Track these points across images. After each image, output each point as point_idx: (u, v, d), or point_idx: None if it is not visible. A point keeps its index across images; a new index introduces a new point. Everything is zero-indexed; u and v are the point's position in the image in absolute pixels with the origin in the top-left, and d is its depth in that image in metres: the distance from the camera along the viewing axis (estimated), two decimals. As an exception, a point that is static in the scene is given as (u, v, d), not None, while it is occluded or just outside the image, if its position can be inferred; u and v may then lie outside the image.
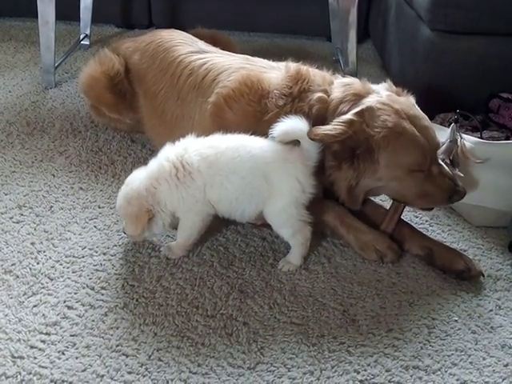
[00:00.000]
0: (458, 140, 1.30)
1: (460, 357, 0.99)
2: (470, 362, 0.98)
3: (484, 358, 0.99)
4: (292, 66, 1.24)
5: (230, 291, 1.10)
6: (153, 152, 1.55)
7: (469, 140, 1.33)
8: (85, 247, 1.19)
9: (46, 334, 0.98)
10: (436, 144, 1.15)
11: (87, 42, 2.21)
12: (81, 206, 1.32)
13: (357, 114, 1.10)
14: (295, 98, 1.17)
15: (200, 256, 1.19)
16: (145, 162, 1.49)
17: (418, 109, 1.16)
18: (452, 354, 0.99)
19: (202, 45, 1.43)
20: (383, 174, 1.12)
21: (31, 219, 1.27)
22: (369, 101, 1.12)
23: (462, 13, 1.52)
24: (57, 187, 1.38)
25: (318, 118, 1.15)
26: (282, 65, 1.27)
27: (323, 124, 1.13)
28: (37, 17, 1.77)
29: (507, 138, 1.39)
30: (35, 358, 0.94)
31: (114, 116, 1.53)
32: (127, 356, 0.95)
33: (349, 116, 1.10)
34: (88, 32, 2.21)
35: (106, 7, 2.31)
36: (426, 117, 1.16)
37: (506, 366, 0.98)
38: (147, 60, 1.44)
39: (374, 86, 1.18)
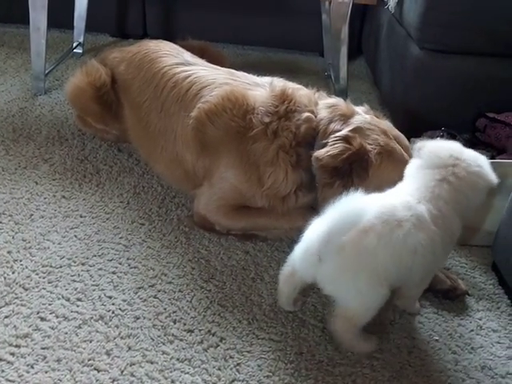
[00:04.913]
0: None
1: (439, 378, 0.97)
2: (450, 384, 0.96)
3: (463, 380, 0.97)
4: (277, 85, 1.25)
5: (209, 305, 1.08)
6: (139, 162, 1.54)
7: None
8: (63, 257, 1.17)
9: (16, 346, 0.95)
10: None
11: (80, 51, 2.21)
12: (62, 214, 1.30)
13: (351, 130, 1.12)
14: (281, 117, 1.18)
15: (181, 268, 1.17)
16: (130, 171, 1.51)
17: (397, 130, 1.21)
18: (431, 375, 0.97)
19: (187, 56, 1.42)
20: (372, 188, 1.12)
21: (10, 227, 1.24)
22: (356, 120, 1.16)
23: (451, 32, 1.54)
24: (39, 195, 1.36)
25: (306, 136, 1.17)
26: (266, 82, 1.28)
27: (311, 143, 1.16)
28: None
29: (492, 158, 1.40)
30: (3, 371, 0.91)
31: (100, 126, 1.52)
32: (99, 371, 0.92)
33: (344, 132, 1.12)
34: (81, 40, 2.21)
35: (101, 16, 2.33)
36: (405, 137, 1.21)
37: (485, 388, 0.96)
38: (133, 71, 1.44)
39: (355, 108, 1.21)
